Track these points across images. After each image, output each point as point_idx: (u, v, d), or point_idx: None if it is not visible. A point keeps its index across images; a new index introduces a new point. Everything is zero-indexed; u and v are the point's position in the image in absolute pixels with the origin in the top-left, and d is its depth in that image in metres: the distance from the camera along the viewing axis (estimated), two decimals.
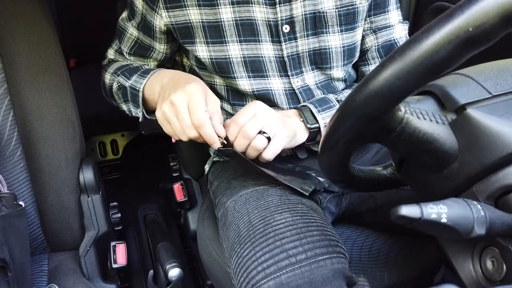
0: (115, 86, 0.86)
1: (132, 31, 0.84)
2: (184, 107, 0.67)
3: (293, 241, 0.63)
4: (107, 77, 0.88)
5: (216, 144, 0.69)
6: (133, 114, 0.84)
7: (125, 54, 0.88)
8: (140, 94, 0.79)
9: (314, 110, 0.76)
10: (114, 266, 0.89)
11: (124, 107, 0.87)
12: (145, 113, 0.81)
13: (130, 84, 0.80)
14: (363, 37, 0.85)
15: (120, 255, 0.90)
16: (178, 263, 0.89)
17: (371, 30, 0.85)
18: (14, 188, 0.87)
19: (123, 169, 1.80)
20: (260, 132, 0.69)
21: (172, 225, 1.38)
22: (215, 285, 0.89)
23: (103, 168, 1.76)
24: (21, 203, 0.77)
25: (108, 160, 1.78)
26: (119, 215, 0.97)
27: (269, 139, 0.69)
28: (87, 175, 0.89)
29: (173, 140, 0.78)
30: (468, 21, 0.34)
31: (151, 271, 1.02)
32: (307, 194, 0.73)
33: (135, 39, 0.85)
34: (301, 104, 0.79)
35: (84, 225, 0.90)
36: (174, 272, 0.87)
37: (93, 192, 0.90)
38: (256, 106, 0.71)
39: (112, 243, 0.91)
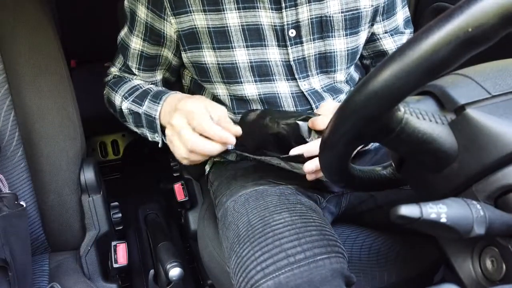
0: (125, 111, 0.84)
1: (135, 45, 0.82)
2: (184, 126, 0.67)
3: (292, 241, 0.63)
4: (117, 99, 0.86)
5: (231, 138, 0.67)
6: (150, 138, 0.83)
7: (134, 70, 0.86)
8: (157, 122, 0.78)
9: None
10: (115, 265, 0.89)
11: (135, 129, 0.86)
12: (164, 139, 0.80)
13: (144, 111, 0.79)
14: (380, 40, 0.88)
15: (121, 255, 0.90)
16: (178, 263, 0.89)
17: (388, 34, 0.88)
18: (15, 188, 0.87)
19: (124, 169, 1.80)
20: None
21: (173, 224, 1.38)
22: (216, 285, 0.89)
23: (104, 168, 1.76)
24: (22, 203, 0.78)
25: (109, 160, 1.78)
26: (120, 215, 0.97)
27: None
28: (88, 175, 0.89)
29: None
30: (468, 22, 0.34)
31: (152, 271, 1.02)
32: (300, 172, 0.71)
33: (139, 52, 0.83)
34: None
35: (85, 225, 0.90)
36: (174, 272, 0.87)
37: (94, 192, 0.90)
38: None
39: (113, 243, 0.91)
